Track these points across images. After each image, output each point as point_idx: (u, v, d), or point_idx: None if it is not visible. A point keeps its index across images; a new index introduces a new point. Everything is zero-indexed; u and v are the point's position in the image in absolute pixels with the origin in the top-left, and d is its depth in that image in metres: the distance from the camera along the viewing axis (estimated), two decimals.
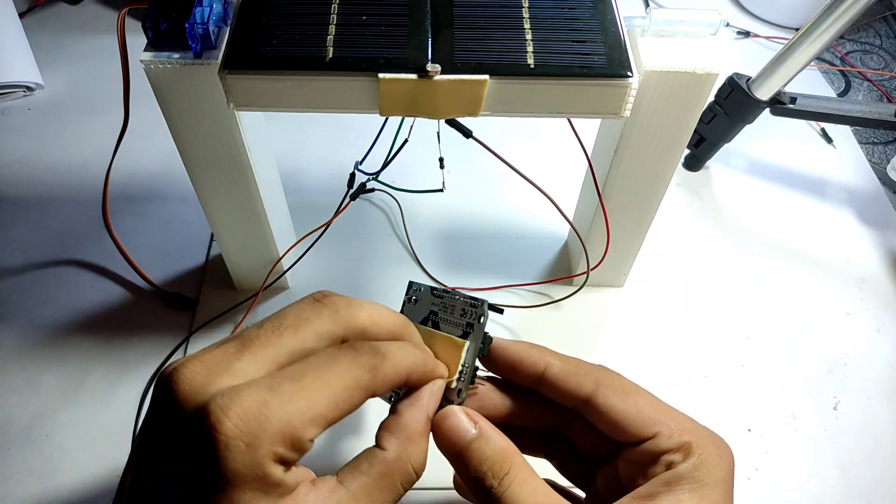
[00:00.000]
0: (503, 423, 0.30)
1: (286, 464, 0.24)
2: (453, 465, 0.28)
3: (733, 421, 0.44)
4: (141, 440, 0.25)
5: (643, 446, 0.28)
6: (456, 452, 0.28)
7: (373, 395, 0.26)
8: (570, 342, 0.47)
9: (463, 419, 0.28)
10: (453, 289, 0.48)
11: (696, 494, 0.27)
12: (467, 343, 0.30)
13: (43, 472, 0.40)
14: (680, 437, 0.28)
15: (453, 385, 0.30)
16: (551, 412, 0.31)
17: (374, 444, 0.27)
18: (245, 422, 0.23)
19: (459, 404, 0.30)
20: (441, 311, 0.32)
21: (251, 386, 0.23)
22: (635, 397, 0.29)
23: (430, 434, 0.28)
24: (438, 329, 0.31)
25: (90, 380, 0.44)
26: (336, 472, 0.26)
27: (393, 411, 0.28)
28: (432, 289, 0.32)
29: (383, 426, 0.27)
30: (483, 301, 0.31)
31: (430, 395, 0.28)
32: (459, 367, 0.30)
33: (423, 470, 0.27)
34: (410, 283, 0.32)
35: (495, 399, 0.31)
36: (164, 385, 0.24)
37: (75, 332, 0.46)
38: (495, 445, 0.28)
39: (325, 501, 0.24)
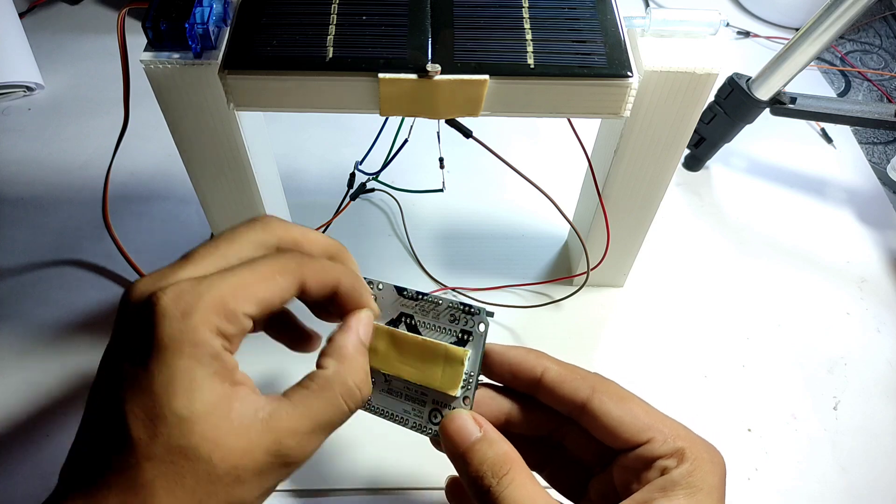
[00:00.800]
0: (499, 429, 0.30)
1: (227, 340, 0.26)
2: (455, 466, 0.29)
3: (733, 421, 0.44)
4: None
5: (637, 452, 0.29)
6: (459, 453, 0.29)
7: (304, 289, 0.28)
8: (570, 342, 0.47)
9: (469, 421, 0.29)
10: (444, 289, 0.48)
11: (691, 499, 0.27)
12: (469, 351, 0.30)
13: (43, 472, 0.40)
14: (674, 443, 0.28)
15: (457, 394, 0.30)
16: (546, 419, 0.31)
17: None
18: (179, 295, 0.25)
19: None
20: (419, 315, 0.32)
21: (189, 277, 0.26)
22: (630, 404, 0.29)
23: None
24: (418, 334, 0.31)
25: (90, 380, 0.44)
26: None
27: (330, 340, 0.29)
28: (399, 289, 0.32)
29: (321, 353, 0.29)
30: (481, 309, 0.30)
31: (357, 321, 0.30)
32: (464, 376, 0.30)
33: (368, 390, 0.29)
34: (366, 279, 0.32)
35: (491, 405, 0.31)
36: (122, 296, 0.27)
37: (75, 332, 0.46)
38: (498, 448, 0.28)
39: (267, 404, 0.26)
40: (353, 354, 0.29)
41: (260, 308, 0.27)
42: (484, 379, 0.32)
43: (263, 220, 0.29)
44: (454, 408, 0.30)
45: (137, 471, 0.24)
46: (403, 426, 0.32)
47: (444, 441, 0.29)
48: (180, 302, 0.26)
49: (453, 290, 0.49)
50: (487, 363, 0.31)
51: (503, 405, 0.32)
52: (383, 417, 0.32)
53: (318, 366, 0.28)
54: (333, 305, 0.30)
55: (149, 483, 0.24)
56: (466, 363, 0.30)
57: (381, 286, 0.32)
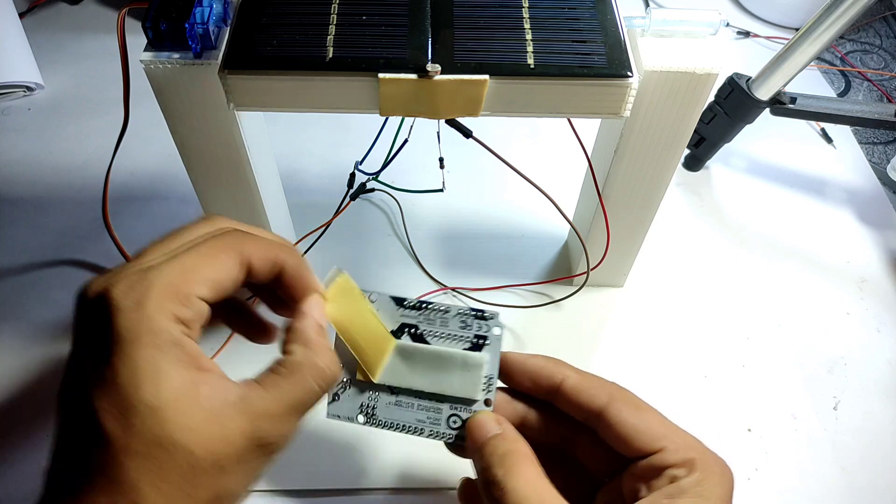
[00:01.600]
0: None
1: (185, 326, 0.26)
2: (474, 461, 0.30)
3: (733, 421, 0.44)
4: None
5: (649, 460, 0.29)
6: (478, 447, 0.30)
7: (249, 266, 0.29)
8: (571, 342, 0.47)
9: (491, 420, 0.31)
10: (444, 289, 0.48)
11: None
12: (487, 356, 0.31)
13: (43, 472, 0.40)
14: (685, 454, 0.29)
15: (479, 397, 0.31)
16: (559, 426, 0.32)
17: None
18: (130, 286, 0.26)
19: None
20: (425, 325, 0.32)
21: (134, 267, 0.27)
22: (646, 413, 0.30)
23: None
24: (426, 343, 0.31)
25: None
26: None
27: (289, 329, 0.30)
28: (398, 299, 0.32)
29: (285, 341, 0.29)
30: (495, 313, 0.31)
31: (310, 305, 0.30)
32: (484, 379, 0.31)
33: (338, 369, 0.29)
34: (363, 291, 0.32)
35: (508, 408, 0.32)
36: (77, 297, 0.27)
37: None
38: (511, 444, 0.29)
39: (237, 388, 0.26)
40: (315, 337, 0.29)
41: (211, 288, 0.27)
42: (499, 384, 0.32)
43: (210, 216, 0.30)
44: (476, 411, 0.31)
45: (119, 469, 0.24)
46: (419, 436, 0.32)
47: (468, 437, 0.31)
48: (132, 292, 0.26)
49: (453, 290, 0.49)
50: (508, 372, 0.32)
51: (519, 409, 0.32)
52: (395, 430, 0.32)
53: (284, 352, 0.29)
54: (282, 289, 0.31)
55: (133, 481, 0.24)
56: (485, 367, 0.31)
57: (373, 297, 0.32)
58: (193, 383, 0.26)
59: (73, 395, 0.26)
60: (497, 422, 0.31)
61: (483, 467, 0.29)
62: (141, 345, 0.25)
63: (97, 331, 0.26)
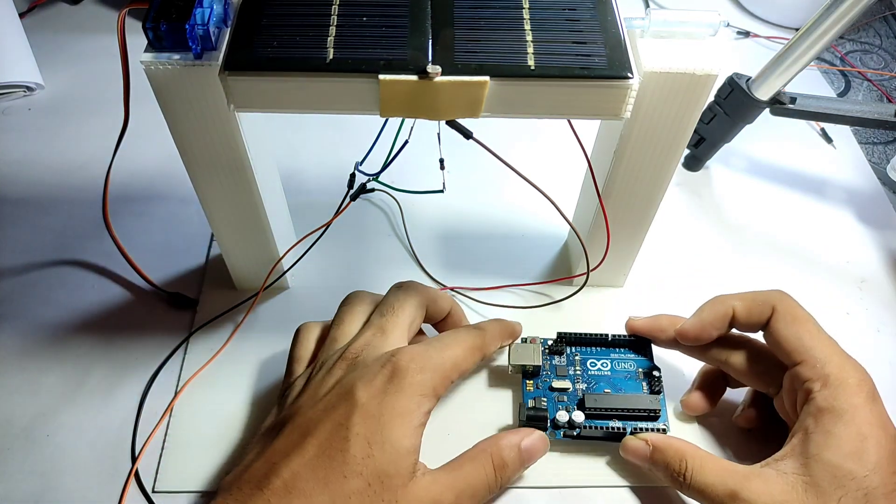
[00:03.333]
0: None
1: (436, 397, 0.34)
2: (653, 469, 0.37)
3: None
4: None
5: (793, 371, 0.35)
6: (647, 466, 0.37)
7: (484, 356, 0.39)
8: None
9: (638, 443, 0.38)
10: (444, 288, 0.48)
11: (838, 421, 0.32)
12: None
13: (43, 472, 0.40)
14: (822, 369, 0.33)
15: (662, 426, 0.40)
16: (737, 382, 0.42)
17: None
18: (415, 357, 0.34)
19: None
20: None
21: (416, 345, 0.35)
22: (799, 325, 0.36)
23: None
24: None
25: (90, 380, 0.44)
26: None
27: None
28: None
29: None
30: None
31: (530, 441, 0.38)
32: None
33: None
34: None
35: (699, 404, 0.42)
36: (341, 355, 0.36)
37: (75, 333, 0.46)
38: (668, 450, 0.36)
39: (436, 469, 0.35)
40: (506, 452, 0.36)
41: (461, 376, 0.37)
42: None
43: (410, 286, 0.39)
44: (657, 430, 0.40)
45: (343, 483, 0.30)
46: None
47: (630, 457, 0.39)
48: (418, 360, 0.34)
49: (452, 289, 0.49)
50: (696, 336, 0.40)
51: (704, 399, 0.42)
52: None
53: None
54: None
55: (349, 496, 0.30)
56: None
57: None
58: (418, 450, 0.33)
59: (333, 416, 0.32)
60: (642, 439, 0.38)
61: (665, 472, 0.36)
62: (412, 398, 0.33)
63: (383, 377, 0.33)
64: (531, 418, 0.40)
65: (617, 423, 0.41)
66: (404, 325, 0.37)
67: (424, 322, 0.40)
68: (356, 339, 0.36)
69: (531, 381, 0.43)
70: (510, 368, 0.43)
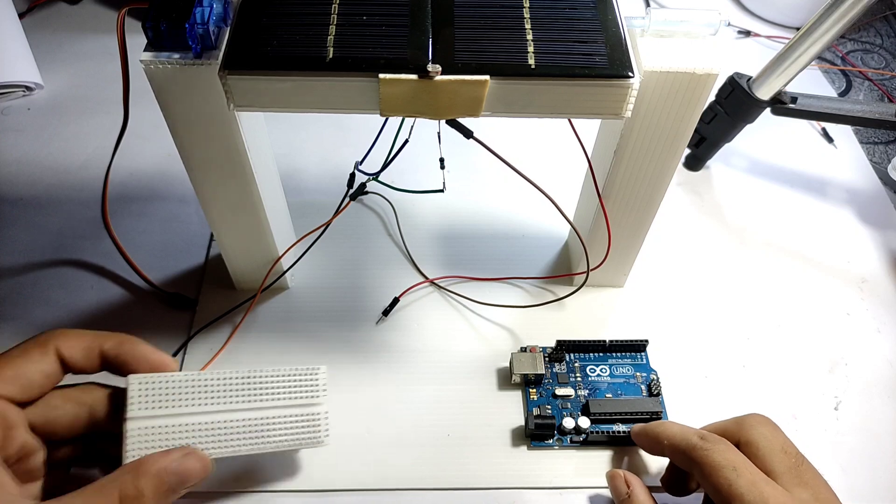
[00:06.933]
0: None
1: None
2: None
3: None
4: None
5: None
6: (617, 503, 0.38)
7: (64, 357, 0.32)
8: None
9: (620, 482, 0.38)
10: (444, 289, 0.48)
11: None
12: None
13: None
14: None
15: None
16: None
17: None
18: None
19: None
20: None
21: None
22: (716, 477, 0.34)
23: None
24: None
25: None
26: None
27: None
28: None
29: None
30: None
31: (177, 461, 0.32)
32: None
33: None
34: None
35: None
36: None
37: None
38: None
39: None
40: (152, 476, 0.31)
41: (21, 386, 0.30)
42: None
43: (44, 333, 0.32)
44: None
45: None
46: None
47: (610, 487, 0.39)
48: None
49: (452, 291, 0.49)
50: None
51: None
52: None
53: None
54: (120, 369, 0.33)
55: None
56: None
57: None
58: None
59: None
60: (626, 480, 0.38)
61: None
62: None
63: None
64: (539, 426, 0.40)
65: (621, 427, 0.41)
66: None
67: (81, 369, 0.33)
68: None
69: (534, 390, 0.43)
70: (513, 378, 0.43)
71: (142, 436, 0.32)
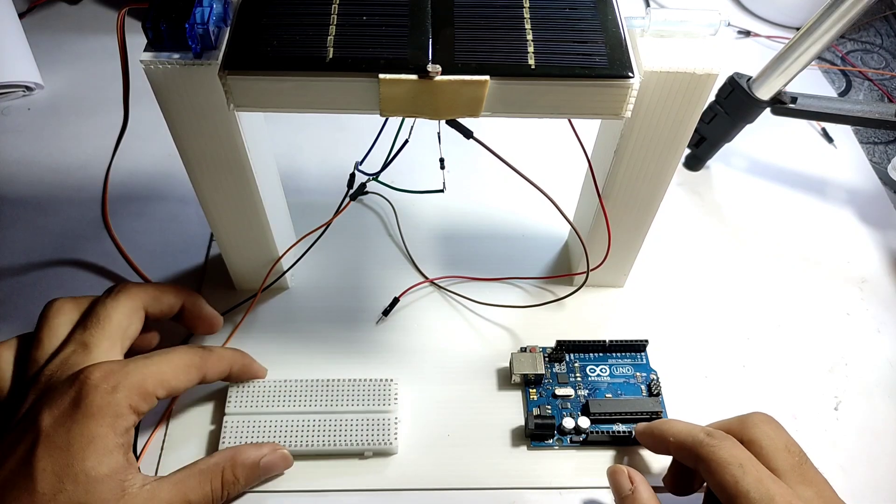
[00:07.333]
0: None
1: (137, 417, 0.32)
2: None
3: None
4: None
5: None
6: (619, 499, 0.36)
7: (205, 378, 0.37)
8: None
9: (624, 478, 0.37)
10: (444, 289, 0.48)
11: None
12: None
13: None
14: None
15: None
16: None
17: None
18: (109, 373, 0.32)
19: None
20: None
21: (114, 360, 0.33)
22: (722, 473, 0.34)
23: None
24: None
25: None
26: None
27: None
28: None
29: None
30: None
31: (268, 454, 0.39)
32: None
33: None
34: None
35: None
36: (37, 376, 0.33)
37: None
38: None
39: (150, 481, 0.33)
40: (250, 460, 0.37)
41: (169, 393, 0.34)
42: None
43: (120, 288, 0.37)
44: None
45: None
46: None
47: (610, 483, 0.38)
48: (111, 378, 0.31)
49: (452, 291, 0.49)
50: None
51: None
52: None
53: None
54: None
55: None
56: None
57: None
58: (123, 469, 0.31)
59: (17, 449, 0.30)
60: (630, 477, 0.36)
61: None
62: (103, 422, 0.31)
63: (68, 400, 0.31)
64: (539, 426, 0.40)
65: (621, 427, 0.41)
66: (113, 336, 0.34)
67: (158, 319, 0.39)
68: (52, 358, 0.33)
69: (534, 390, 0.43)
70: (513, 378, 0.43)
71: (235, 427, 0.39)
